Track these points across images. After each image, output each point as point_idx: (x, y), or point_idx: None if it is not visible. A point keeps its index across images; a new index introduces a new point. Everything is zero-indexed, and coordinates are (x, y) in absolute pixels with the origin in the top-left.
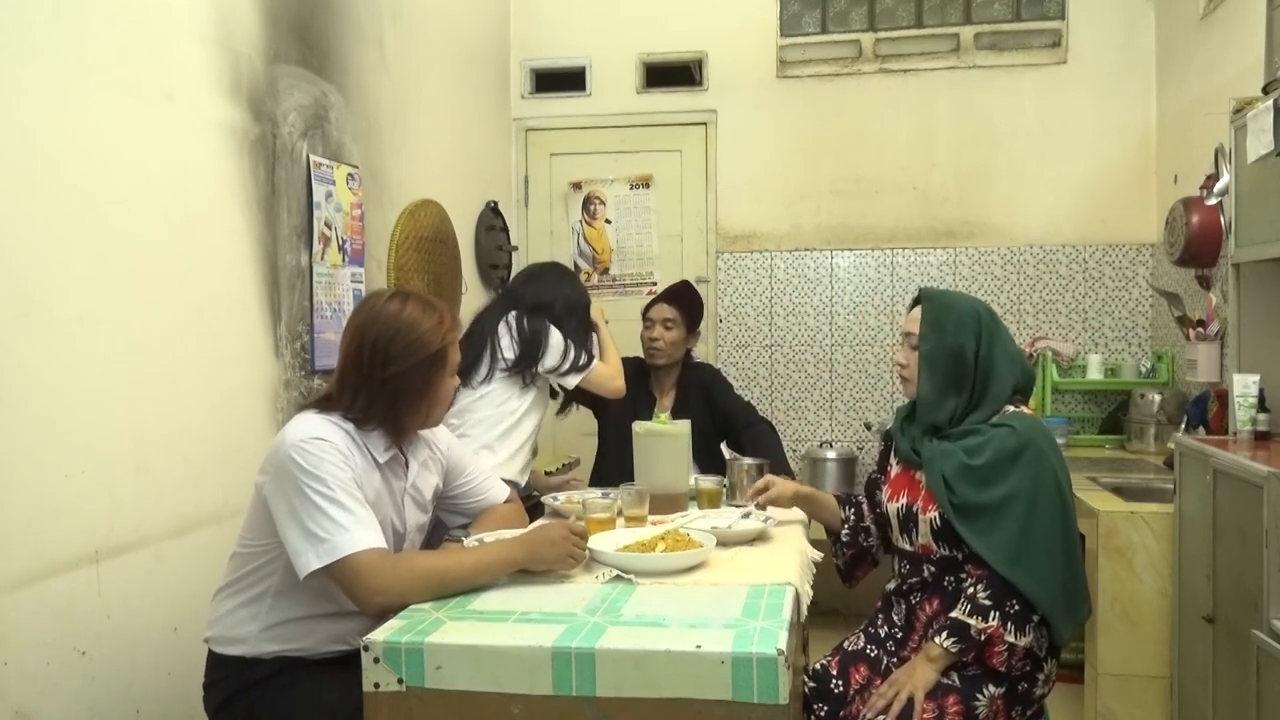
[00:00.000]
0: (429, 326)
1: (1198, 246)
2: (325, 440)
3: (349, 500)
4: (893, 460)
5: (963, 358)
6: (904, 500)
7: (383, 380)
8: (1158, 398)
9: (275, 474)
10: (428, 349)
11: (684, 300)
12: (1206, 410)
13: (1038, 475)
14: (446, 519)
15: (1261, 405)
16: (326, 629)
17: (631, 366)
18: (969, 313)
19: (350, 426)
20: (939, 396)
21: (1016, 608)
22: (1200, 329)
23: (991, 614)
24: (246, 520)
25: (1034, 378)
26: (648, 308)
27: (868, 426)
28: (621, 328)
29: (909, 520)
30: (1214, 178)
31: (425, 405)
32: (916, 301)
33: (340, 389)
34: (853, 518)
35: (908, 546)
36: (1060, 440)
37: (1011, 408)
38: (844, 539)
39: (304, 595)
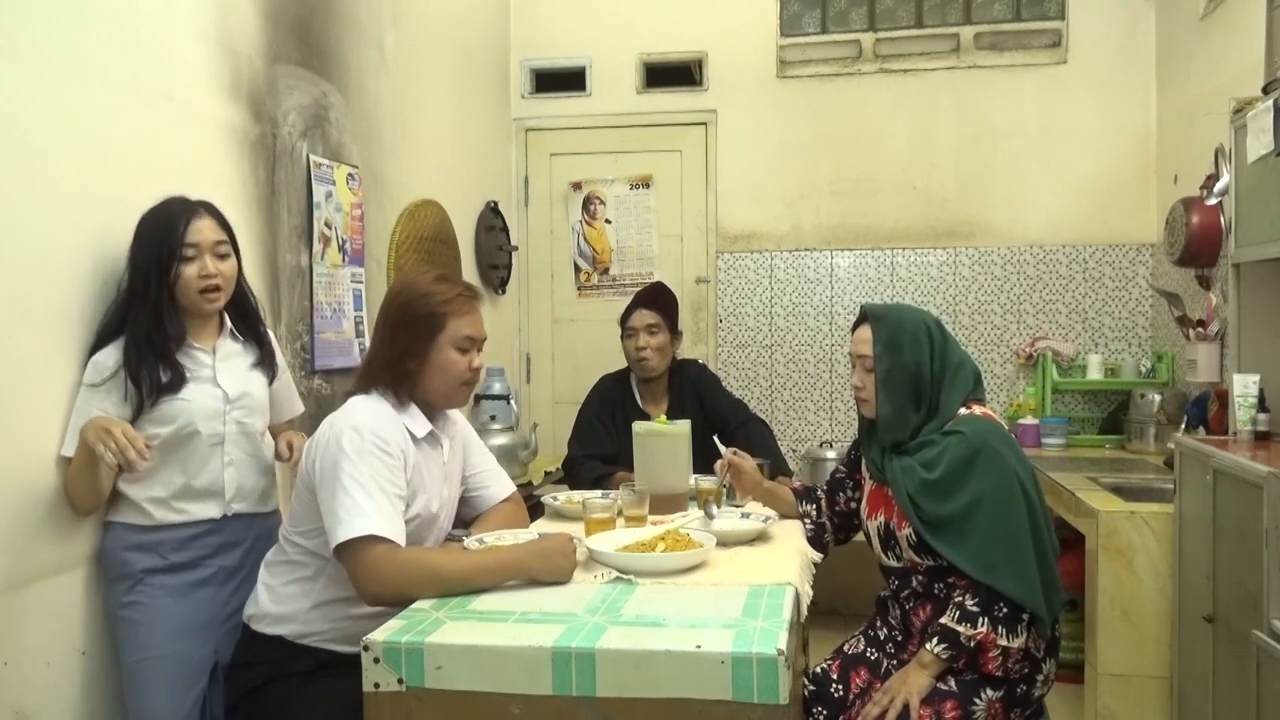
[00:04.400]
0: (430, 290)
1: (1198, 246)
2: (374, 432)
3: (377, 491)
4: (866, 475)
5: (919, 374)
6: (881, 518)
7: (382, 335)
8: (1158, 398)
9: (321, 455)
10: (422, 309)
11: (662, 302)
12: (1206, 410)
13: (997, 477)
14: (460, 510)
15: (1261, 405)
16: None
17: (613, 386)
18: (920, 328)
19: (390, 410)
20: (899, 416)
21: (1005, 611)
22: (1200, 329)
23: (980, 620)
24: (295, 506)
25: (981, 378)
26: (626, 315)
27: None
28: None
29: (889, 537)
30: (1214, 178)
31: (416, 368)
32: (861, 320)
33: (367, 354)
34: (813, 513)
35: (894, 563)
36: (1060, 440)
37: (964, 410)
38: (808, 535)
39: None
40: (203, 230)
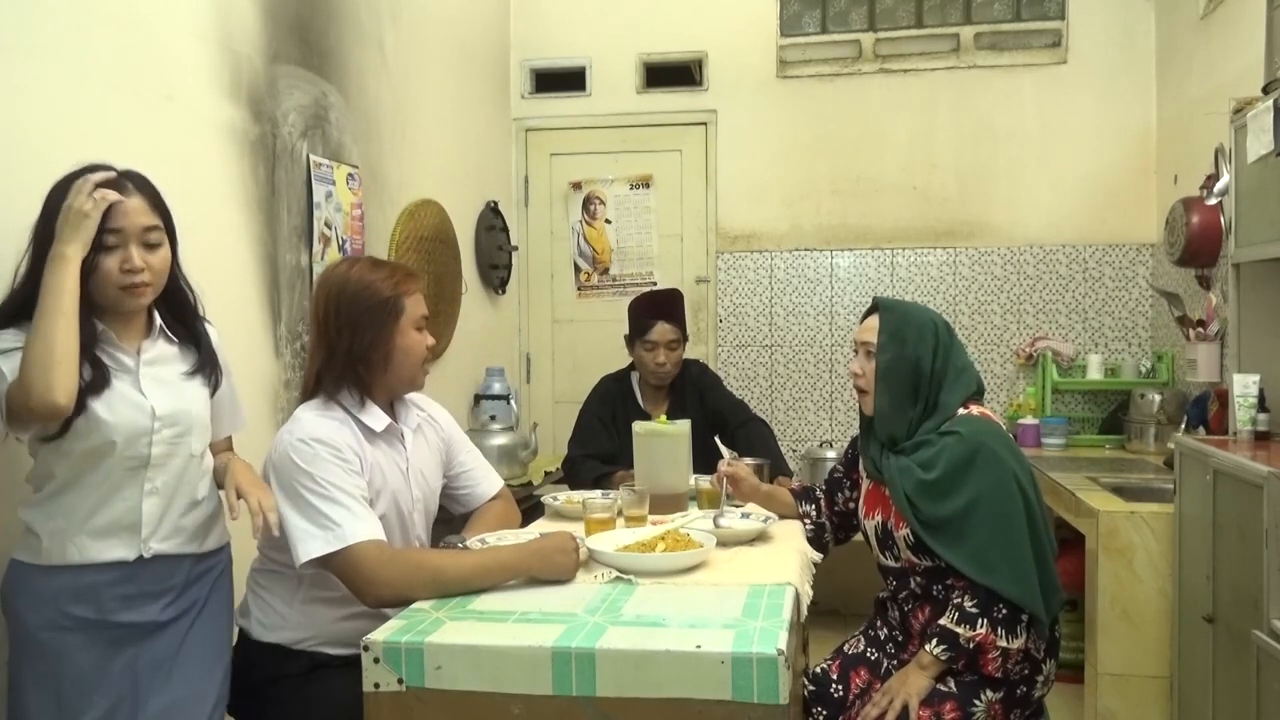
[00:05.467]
0: (376, 278)
1: (1198, 246)
2: (321, 441)
3: (344, 496)
4: (864, 475)
5: (920, 369)
6: (879, 518)
7: (338, 333)
8: (1158, 398)
9: (275, 473)
10: (376, 297)
11: (679, 314)
12: (1206, 410)
13: (995, 478)
14: (448, 505)
15: (1261, 405)
16: (357, 609)
17: (614, 386)
18: (927, 325)
19: (341, 413)
20: (896, 409)
21: (1004, 612)
22: (1200, 329)
23: (980, 621)
24: None
25: (983, 387)
26: (645, 326)
27: None
28: (621, 329)
29: (887, 537)
30: (1214, 178)
31: (383, 356)
32: (871, 311)
33: (310, 360)
34: (813, 513)
35: (892, 563)
36: (1060, 440)
37: (962, 410)
38: (808, 536)
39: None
40: (128, 213)
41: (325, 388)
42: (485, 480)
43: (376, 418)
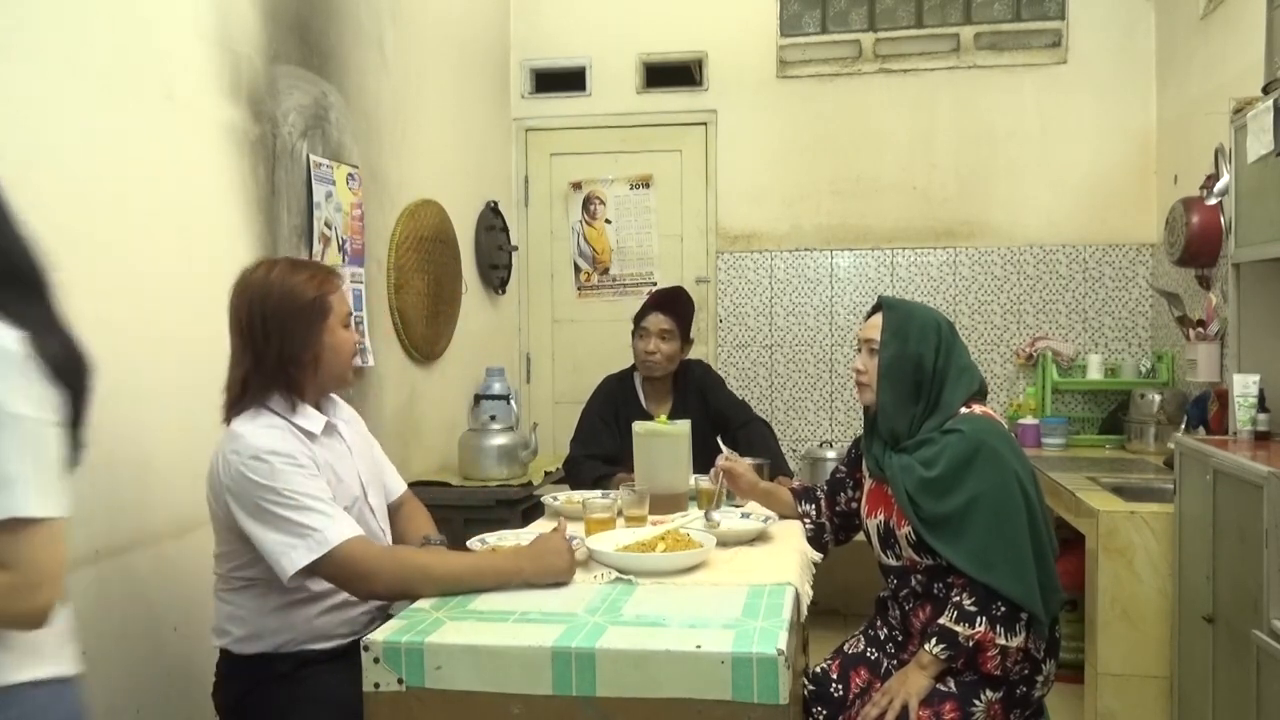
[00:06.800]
0: (299, 280)
1: (1198, 246)
2: (274, 452)
3: (313, 502)
4: (866, 474)
5: (922, 367)
6: (881, 517)
7: (265, 338)
8: (1158, 398)
9: (234, 498)
10: (301, 298)
11: (679, 309)
12: (1206, 410)
13: (996, 476)
14: None
15: (1261, 405)
16: (331, 602)
17: (617, 386)
18: (929, 323)
19: (277, 419)
20: (898, 405)
21: (1003, 610)
22: (1200, 329)
23: (979, 620)
24: (223, 547)
25: (986, 388)
26: (641, 315)
27: None
28: (621, 328)
29: (889, 536)
30: (1214, 178)
31: (312, 356)
32: (876, 309)
33: (233, 366)
34: (813, 513)
35: (894, 562)
36: (1060, 440)
37: (965, 409)
38: (808, 536)
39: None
40: None
41: (252, 394)
42: (394, 476)
43: (312, 419)
